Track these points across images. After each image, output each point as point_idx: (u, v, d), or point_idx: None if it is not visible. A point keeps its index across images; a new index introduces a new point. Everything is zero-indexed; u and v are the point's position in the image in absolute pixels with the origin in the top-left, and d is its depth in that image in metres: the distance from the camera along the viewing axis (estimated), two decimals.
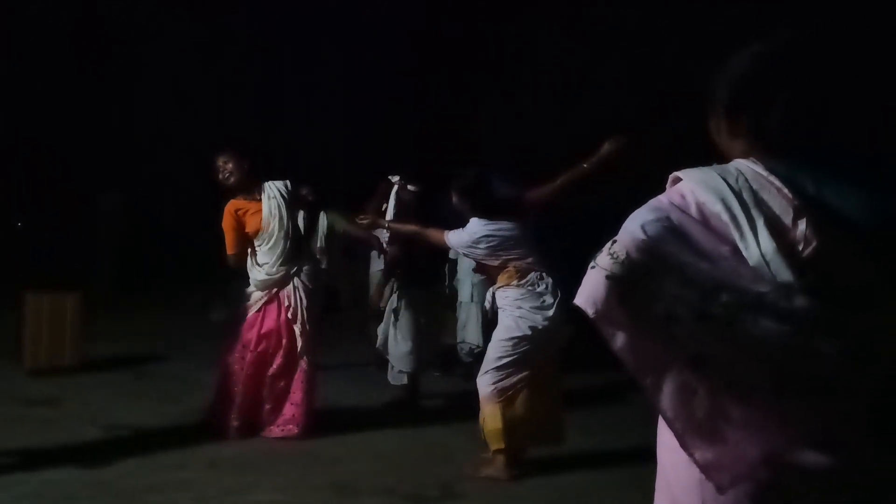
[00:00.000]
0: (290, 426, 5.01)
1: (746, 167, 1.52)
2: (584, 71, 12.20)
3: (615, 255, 1.45)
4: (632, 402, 6.55)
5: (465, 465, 4.60)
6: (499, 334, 4.58)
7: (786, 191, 1.46)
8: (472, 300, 7.55)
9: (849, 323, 1.40)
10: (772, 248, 1.42)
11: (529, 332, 4.46)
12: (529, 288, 4.55)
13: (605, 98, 11.74)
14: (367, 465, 4.58)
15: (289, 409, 5.03)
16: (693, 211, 1.49)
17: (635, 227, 1.46)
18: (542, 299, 4.54)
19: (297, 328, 5.09)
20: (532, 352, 4.50)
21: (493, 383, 4.50)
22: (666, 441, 1.60)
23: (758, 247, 1.43)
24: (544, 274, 4.61)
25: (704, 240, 1.45)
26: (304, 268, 5.18)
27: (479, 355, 6.42)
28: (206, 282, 10.05)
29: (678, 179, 1.57)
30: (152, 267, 12.83)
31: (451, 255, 7.80)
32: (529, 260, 4.62)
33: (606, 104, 11.59)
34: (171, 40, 14.20)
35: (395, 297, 6.51)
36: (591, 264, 1.48)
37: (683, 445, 1.49)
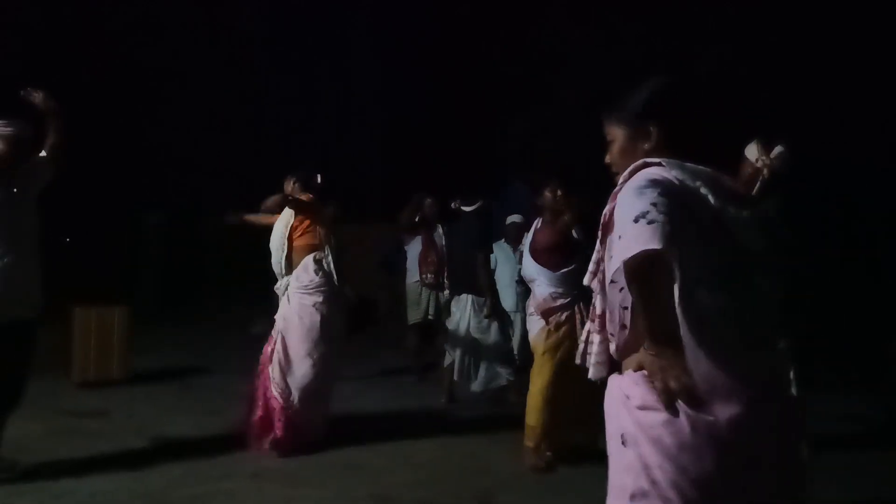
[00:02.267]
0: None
1: (673, 162, 1.92)
2: (614, 83, 12.19)
3: (655, 208, 1.76)
4: None
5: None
6: None
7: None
8: (516, 309, 7.53)
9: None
10: (739, 214, 1.88)
11: None
12: None
13: None
14: (407, 476, 4.61)
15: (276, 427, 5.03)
16: (676, 185, 1.86)
17: (652, 194, 1.80)
18: None
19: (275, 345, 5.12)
20: None
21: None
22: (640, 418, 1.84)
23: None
24: None
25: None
26: (293, 278, 5.18)
27: (523, 363, 6.46)
28: (248, 296, 10.22)
29: (646, 165, 1.92)
30: (196, 282, 13.08)
31: (491, 264, 7.83)
32: None
33: None
34: (208, 59, 14.47)
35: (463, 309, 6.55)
36: (631, 227, 1.78)
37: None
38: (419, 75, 14.94)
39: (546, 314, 5.01)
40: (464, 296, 6.55)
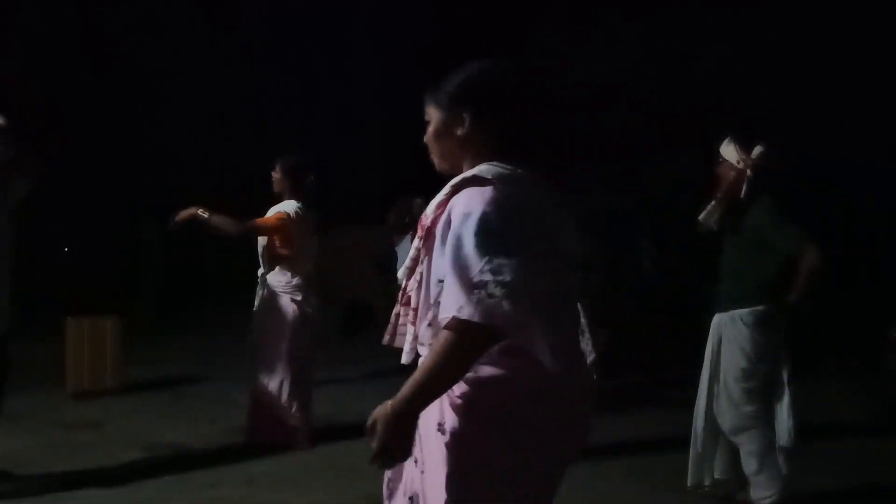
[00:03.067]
0: None
1: (502, 168, 1.85)
2: (612, 81, 12.20)
3: (498, 275, 1.70)
4: (653, 403, 6.56)
5: None
6: None
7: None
8: None
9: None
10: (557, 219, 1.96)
11: None
12: None
13: (635, 107, 11.73)
14: None
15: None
16: (511, 212, 1.79)
17: (497, 247, 1.72)
18: None
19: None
20: None
21: None
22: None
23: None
24: None
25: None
26: (272, 278, 5.23)
27: None
28: (249, 303, 10.18)
29: (476, 181, 1.83)
30: (196, 290, 13.06)
31: None
32: None
33: (637, 113, 11.58)
34: (205, 67, 14.45)
35: None
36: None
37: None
38: (419, 75, 14.89)
39: None
40: None
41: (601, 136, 12.04)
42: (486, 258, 1.70)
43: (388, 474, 2.02)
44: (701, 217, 4.08)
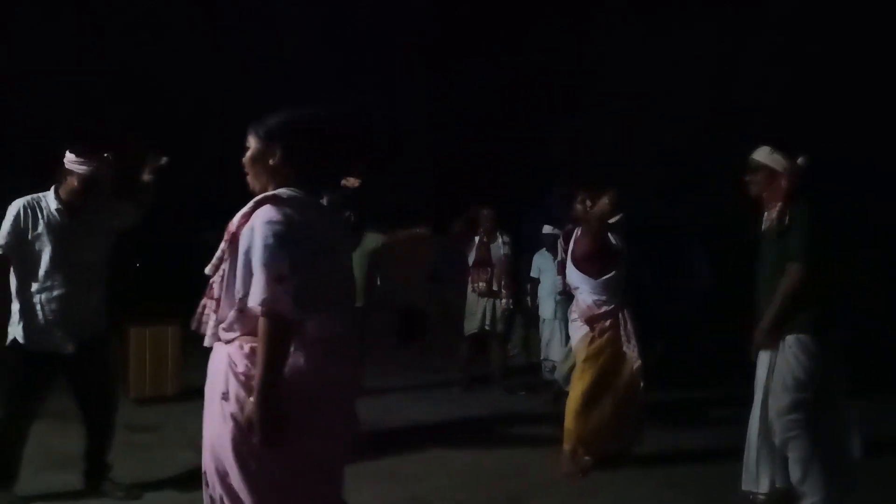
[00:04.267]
0: None
1: (297, 192, 2.36)
2: (658, 88, 12.12)
3: (292, 272, 2.21)
4: (702, 414, 6.51)
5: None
6: None
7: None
8: (555, 317, 7.60)
9: None
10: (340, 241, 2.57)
11: None
12: None
13: (679, 113, 11.62)
14: (443, 481, 4.71)
15: None
16: (294, 226, 2.26)
17: (287, 251, 2.22)
18: None
19: None
20: None
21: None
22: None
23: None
24: None
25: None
26: None
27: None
28: None
29: (270, 200, 2.30)
30: None
31: (533, 273, 7.91)
32: None
33: (680, 119, 11.48)
34: (265, 78, 14.82)
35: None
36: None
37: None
38: (462, 84, 15.09)
39: (591, 321, 5.08)
40: None
41: (656, 143, 11.96)
42: (280, 261, 2.19)
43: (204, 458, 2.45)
44: (764, 228, 4.10)
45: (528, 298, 8.45)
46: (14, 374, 4.13)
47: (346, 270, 2.54)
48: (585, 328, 5.12)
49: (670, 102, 11.94)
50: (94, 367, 4.33)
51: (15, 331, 4.13)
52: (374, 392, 7.22)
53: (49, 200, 4.17)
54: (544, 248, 7.78)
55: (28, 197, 4.18)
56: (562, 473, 4.86)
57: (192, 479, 4.71)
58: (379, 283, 7.47)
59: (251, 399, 2.22)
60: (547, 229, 7.63)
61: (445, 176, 15.02)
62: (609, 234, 5.14)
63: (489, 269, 7.52)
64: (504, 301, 7.53)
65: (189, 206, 13.98)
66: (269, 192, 2.35)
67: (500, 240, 7.58)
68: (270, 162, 2.40)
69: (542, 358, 7.88)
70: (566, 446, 4.96)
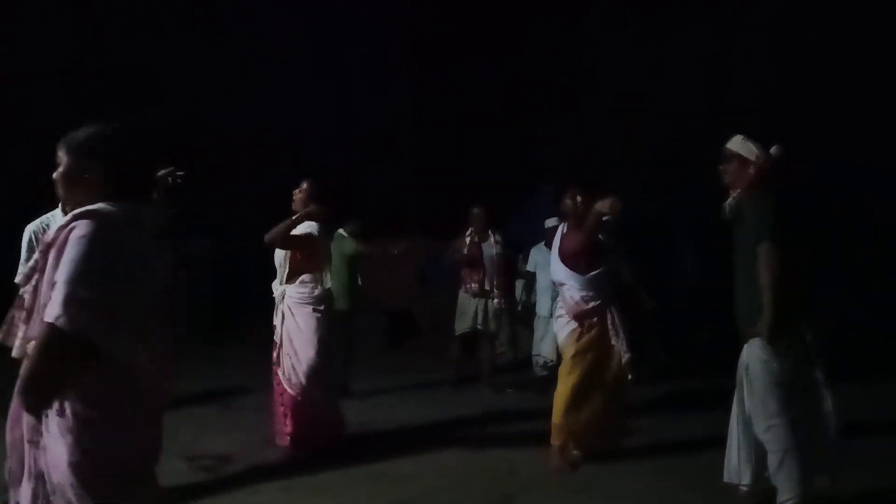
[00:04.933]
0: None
1: (112, 207, 2.31)
2: (647, 86, 12.15)
3: (91, 292, 2.18)
4: (690, 405, 6.54)
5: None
6: None
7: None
8: (550, 315, 7.53)
9: None
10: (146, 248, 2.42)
11: None
12: None
13: (669, 110, 11.66)
14: (433, 482, 4.71)
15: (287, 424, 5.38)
16: (113, 235, 2.26)
17: (94, 270, 2.20)
18: None
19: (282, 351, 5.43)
20: None
21: None
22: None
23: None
24: None
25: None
26: (293, 290, 5.43)
27: (553, 369, 6.50)
28: None
29: (87, 215, 2.25)
30: (240, 303, 13.35)
31: (530, 267, 7.84)
32: None
33: (670, 116, 11.52)
34: (247, 83, 14.78)
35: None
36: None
37: None
38: (451, 83, 15.12)
39: (578, 317, 5.09)
40: None
41: (645, 141, 12.01)
42: (85, 281, 2.16)
43: (8, 464, 2.37)
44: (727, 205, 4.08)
45: (522, 294, 8.43)
46: None
47: (160, 293, 2.50)
48: (571, 325, 5.13)
49: (660, 101, 12.00)
50: None
51: None
52: (363, 394, 7.23)
53: (59, 220, 4.08)
54: (542, 243, 7.68)
55: (37, 220, 4.12)
56: (552, 470, 4.88)
57: (181, 486, 4.72)
58: (360, 283, 7.49)
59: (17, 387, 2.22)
60: (550, 223, 7.42)
61: (432, 173, 15.07)
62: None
63: (481, 269, 7.50)
64: (496, 301, 7.52)
65: (177, 213, 13.91)
66: (89, 208, 2.31)
67: (491, 239, 7.55)
68: (85, 176, 2.38)
69: (533, 353, 7.84)
70: (555, 442, 4.98)
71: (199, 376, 7.99)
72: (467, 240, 7.52)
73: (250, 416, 6.47)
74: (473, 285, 7.49)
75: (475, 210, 7.58)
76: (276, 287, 5.53)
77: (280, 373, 5.38)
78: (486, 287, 7.48)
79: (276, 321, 5.48)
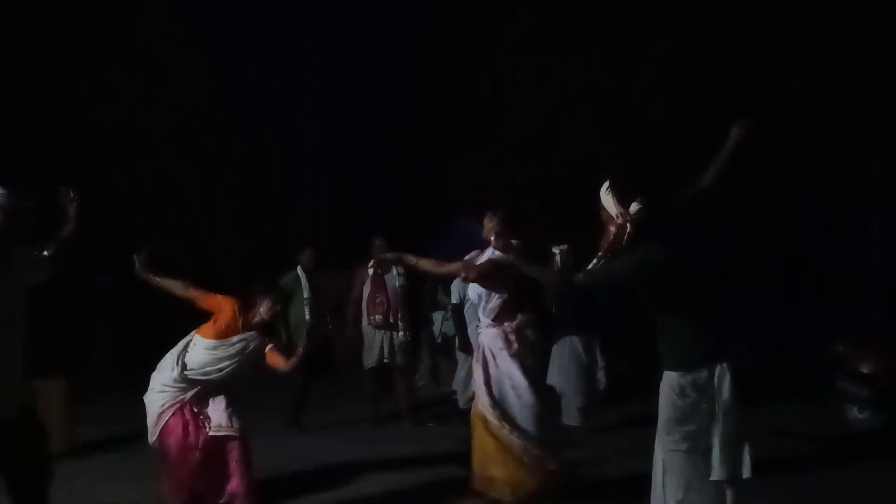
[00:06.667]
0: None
1: None
2: (554, 118, 12.41)
3: None
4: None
5: None
6: None
7: None
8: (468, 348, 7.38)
9: None
10: None
11: None
12: None
13: (578, 143, 11.91)
14: None
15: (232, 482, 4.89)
16: None
17: None
18: None
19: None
20: None
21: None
22: None
23: None
24: None
25: None
26: None
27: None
28: None
29: None
30: (150, 346, 12.83)
31: (454, 299, 7.52)
32: None
33: (579, 149, 11.76)
34: (155, 121, 14.36)
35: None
36: None
37: None
38: (364, 122, 15.22)
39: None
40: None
41: (549, 174, 12.23)
42: None
43: None
44: (587, 271, 3.77)
45: (441, 326, 8.28)
46: None
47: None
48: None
49: (566, 134, 12.23)
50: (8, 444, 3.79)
51: None
52: (280, 433, 6.96)
53: None
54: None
55: None
56: None
57: None
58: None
59: None
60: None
61: (349, 208, 14.97)
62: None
63: (384, 301, 7.36)
64: (401, 333, 7.38)
65: (79, 249, 13.32)
66: None
67: (394, 271, 7.43)
68: None
69: (453, 386, 7.69)
70: (476, 485, 4.78)
71: (101, 423, 7.55)
72: (370, 271, 7.34)
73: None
74: (377, 317, 7.34)
75: (376, 241, 7.41)
76: None
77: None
78: (391, 319, 7.34)
79: None
